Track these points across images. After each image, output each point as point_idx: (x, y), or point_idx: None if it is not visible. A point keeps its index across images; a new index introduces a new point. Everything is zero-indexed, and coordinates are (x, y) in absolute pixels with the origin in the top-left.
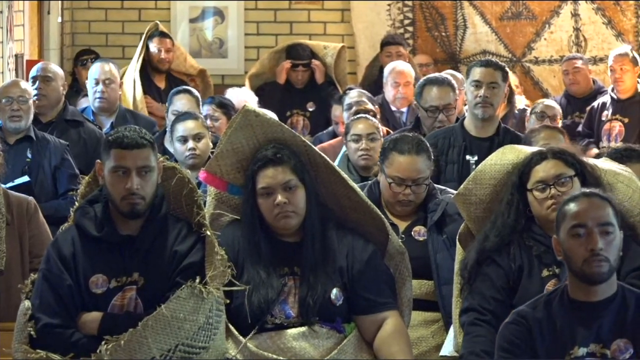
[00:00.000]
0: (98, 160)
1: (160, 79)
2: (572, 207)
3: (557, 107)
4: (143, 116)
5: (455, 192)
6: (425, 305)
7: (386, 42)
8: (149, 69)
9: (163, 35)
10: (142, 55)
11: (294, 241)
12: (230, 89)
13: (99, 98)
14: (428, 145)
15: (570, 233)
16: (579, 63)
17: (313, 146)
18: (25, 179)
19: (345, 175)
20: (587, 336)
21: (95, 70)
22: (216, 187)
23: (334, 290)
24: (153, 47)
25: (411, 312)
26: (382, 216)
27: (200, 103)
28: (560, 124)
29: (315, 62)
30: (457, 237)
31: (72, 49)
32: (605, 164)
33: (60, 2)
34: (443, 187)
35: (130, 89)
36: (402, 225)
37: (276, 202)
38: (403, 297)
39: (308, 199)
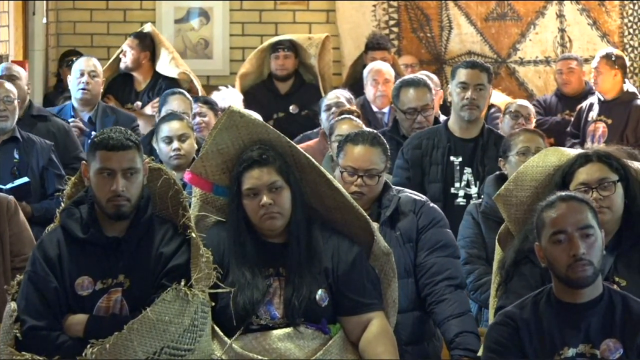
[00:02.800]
0: (84, 162)
1: (138, 80)
2: (550, 213)
3: (531, 106)
4: (123, 112)
5: (413, 194)
6: None
7: (371, 47)
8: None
9: (136, 35)
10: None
11: (279, 242)
12: (216, 91)
13: (82, 89)
14: (384, 141)
15: (551, 240)
16: (573, 64)
17: (298, 147)
18: (25, 179)
19: (330, 176)
20: (576, 337)
21: (80, 63)
22: (201, 188)
23: (319, 291)
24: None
25: (397, 313)
26: (367, 217)
27: (192, 103)
28: (533, 123)
29: None
30: (497, 238)
31: (57, 49)
32: None
33: (45, 2)
34: (400, 188)
35: None
36: None
37: (262, 203)
38: (388, 297)
39: (293, 200)
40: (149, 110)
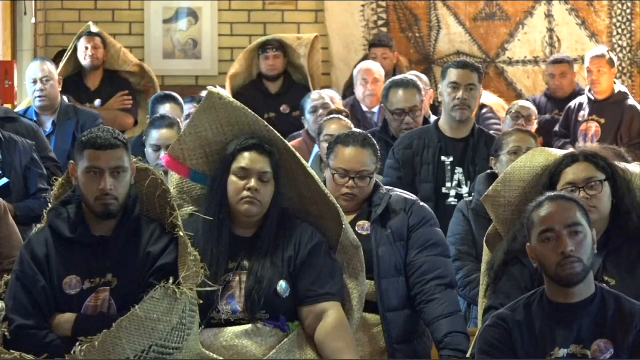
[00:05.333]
0: (71, 162)
1: (92, 79)
2: (539, 213)
3: (533, 107)
4: (86, 110)
5: (404, 193)
6: (366, 306)
7: (372, 44)
8: (83, 70)
9: (91, 34)
10: (69, 56)
11: (247, 236)
12: (204, 91)
13: (39, 97)
14: (375, 142)
15: (540, 239)
16: (566, 68)
17: (275, 131)
18: (4, 181)
19: (304, 162)
20: (568, 337)
21: (32, 70)
22: (179, 172)
23: (281, 282)
24: (80, 46)
25: (363, 307)
26: (338, 206)
27: (183, 108)
28: (535, 124)
29: None
30: (485, 239)
31: (46, 49)
32: (637, 169)
33: (33, 3)
34: (391, 188)
35: None
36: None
37: (249, 186)
38: (354, 292)
39: (274, 198)
40: (118, 106)
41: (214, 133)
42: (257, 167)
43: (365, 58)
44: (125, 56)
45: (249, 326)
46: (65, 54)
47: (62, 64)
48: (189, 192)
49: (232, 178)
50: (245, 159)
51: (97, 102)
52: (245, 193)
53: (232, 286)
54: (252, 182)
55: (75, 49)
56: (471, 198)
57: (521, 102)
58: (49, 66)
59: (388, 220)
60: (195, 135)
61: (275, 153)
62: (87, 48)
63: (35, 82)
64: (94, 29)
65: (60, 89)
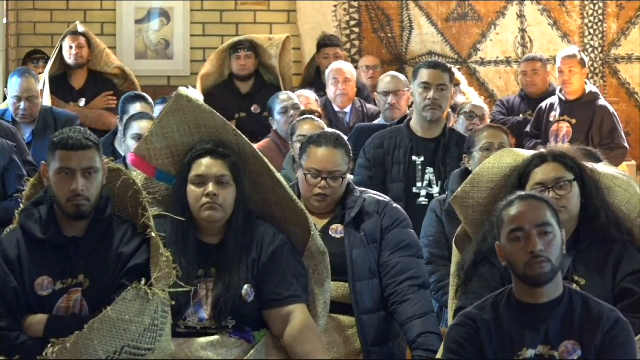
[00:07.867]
0: (43, 162)
1: (77, 78)
2: (508, 212)
3: (485, 106)
4: (63, 113)
5: (376, 194)
6: (341, 308)
7: (323, 44)
8: (67, 69)
9: (76, 33)
10: (56, 56)
11: (214, 243)
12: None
13: (22, 114)
14: (347, 142)
15: (510, 238)
16: (538, 65)
17: (243, 136)
18: None
19: (272, 168)
20: (535, 338)
21: (16, 86)
22: (144, 171)
23: (245, 287)
24: (65, 45)
25: (327, 314)
26: (306, 212)
27: (153, 108)
28: (488, 122)
29: None
30: (454, 240)
31: (18, 50)
32: (604, 168)
33: (5, 3)
34: (364, 189)
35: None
36: (319, 223)
37: (207, 191)
38: (320, 298)
39: (237, 201)
40: (102, 105)
41: (181, 134)
42: (212, 172)
43: (313, 60)
44: (107, 57)
45: (214, 337)
46: (52, 54)
47: (49, 65)
48: (153, 193)
49: (190, 187)
50: (201, 166)
51: (82, 101)
52: (205, 199)
53: (199, 294)
54: (210, 187)
55: (61, 49)
56: (444, 196)
57: (474, 102)
58: (33, 82)
59: (361, 222)
60: (162, 136)
61: (231, 155)
62: (71, 47)
63: (19, 99)
64: (81, 28)
65: (41, 100)
